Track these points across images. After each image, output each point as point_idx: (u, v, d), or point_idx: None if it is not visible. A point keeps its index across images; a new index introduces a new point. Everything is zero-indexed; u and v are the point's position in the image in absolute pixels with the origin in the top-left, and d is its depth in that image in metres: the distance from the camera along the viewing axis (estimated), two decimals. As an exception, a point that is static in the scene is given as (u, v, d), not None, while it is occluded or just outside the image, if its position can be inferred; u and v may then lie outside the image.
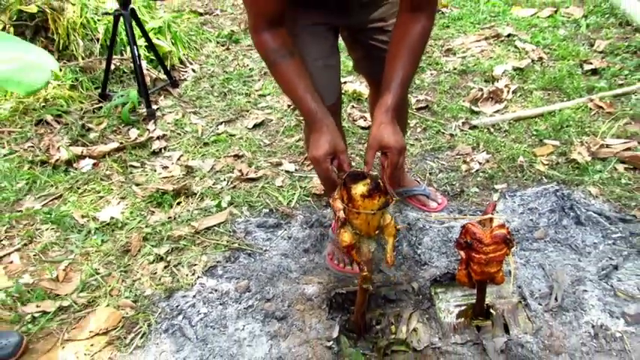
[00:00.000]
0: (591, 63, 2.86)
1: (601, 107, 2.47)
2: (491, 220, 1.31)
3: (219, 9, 4.61)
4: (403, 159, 1.26)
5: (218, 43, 3.76)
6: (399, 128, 1.25)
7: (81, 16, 3.10)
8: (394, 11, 1.32)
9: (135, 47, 2.67)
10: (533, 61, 3.00)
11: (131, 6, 2.65)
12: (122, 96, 2.74)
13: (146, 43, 2.94)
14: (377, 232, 1.27)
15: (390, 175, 1.23)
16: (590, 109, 2.48)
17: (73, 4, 3.10)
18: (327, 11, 1.35)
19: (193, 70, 3.32)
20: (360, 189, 1.19)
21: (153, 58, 3.11)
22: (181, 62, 3.34)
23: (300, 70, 1.23)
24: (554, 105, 2.54)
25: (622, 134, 2.26)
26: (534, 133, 2.37)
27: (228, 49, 3.67)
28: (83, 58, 3.05)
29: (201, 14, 4.45)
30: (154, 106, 2.80)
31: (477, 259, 1.31)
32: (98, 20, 3.20)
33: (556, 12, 3.68)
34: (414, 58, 1.28)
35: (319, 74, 1.34)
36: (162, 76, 3.08)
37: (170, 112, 2.84)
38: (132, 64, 2.88)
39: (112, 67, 2.91)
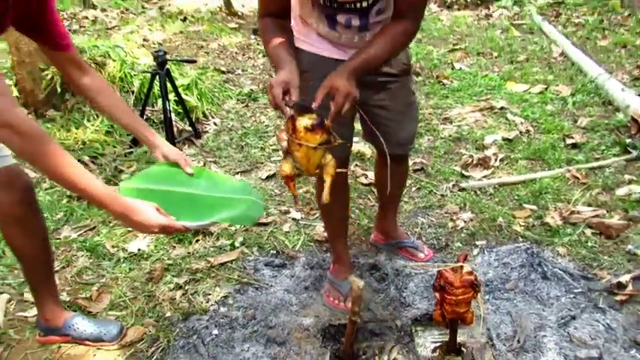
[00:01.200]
0: (573, 137, 3.19)
1: (577, 178, 2.77)
2: (461, 267, 1.58)
3: (240, 69, 5.06)
4: (348, 104, 1.34)
5: (238, 100, 4.15)
6: (354, 81, 1.38)
7: (120, 71, 3.51)
8: (400, 93, 1.65)
9: (167, 102, 3.03)
10: (521, 132, 3.33)
11: (166, 66, 3.04)
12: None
13: (176, 98, 3.32)
14: (317, 170, 1.36)
15: (334, 116, 1.32)
16: (568, 178, 2.78)
17: (114, 60, 3.51)
18: None
19: (215, 124, 3.68)
20: (304, 122, 1.28)
21: (180, 111, 3.47)
22: (204, 116, 3.71)
23: (283, 34, 1.51)
24: (535, 174, 2.84)
25: (593, 202, 2.55)
26: (516, 197, 2.66)
27: (247, 106, 4.05)
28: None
29: (223, 72, 4.89)
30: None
31: (448, 300, 1.57)
32: (134, 75, 3.60)
33: (546, 89, 4.05)
34: (390, 47, 1.46)
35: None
36: (188, 127, 3.44)
37: (193, 160, 3.16)
38: (162, 116, 3.24)
39: (144, 117, 3.27)
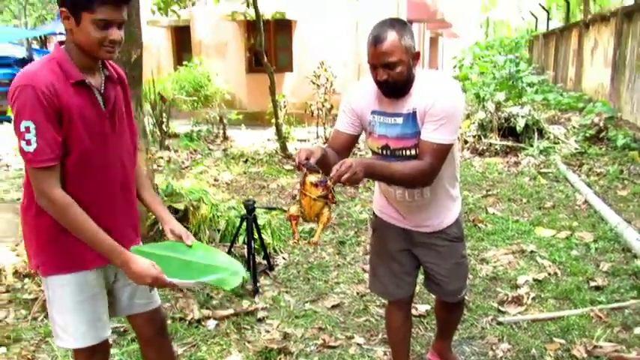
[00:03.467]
0: (596, 280, 3.68)
1: (600, 317, 3.23)
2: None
3: (299, 207, 5.82)
4: (346, 174, 1.70)
5: (301, 237, 4.84)
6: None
7: (210, 213, 4.28)
8: (450, 255, 2.26)
9: (252, 241, 3.72)
10: (549, 274, 3.85)
11: (254, 213, 3.78)
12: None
13: (256, 236, 4.02)
14: (315, 218, 1.80)
15: (335, 179, 1.70)
16: (592, 317, 3.24)
17: (206, 204, 4.30)
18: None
19: (284, 258, 4.33)
20: (311, 178, 1.74)
21: (257, 247, 4.15)
22: (275, 251, 4.38)
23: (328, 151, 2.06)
24: (563, 312, 3.32)
25: (614, 339, 2.99)
26: (547, 332, 3.12)
27: (309, 242, 4.72)
28: (207, 243, 4.14)
29: (284, 211, 5.65)
30: (257, 284, 3.76)
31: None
32: (219, 216, 4.37)
33: (571, 235, 4.61)
34: (405, 175, 1.91)
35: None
36: (263, 260, 4.09)
37: (268, 290, 3.78)
38: (244, 251, 3.92)
39: (232, 253, 3.96)
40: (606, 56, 10.01)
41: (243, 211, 4.05)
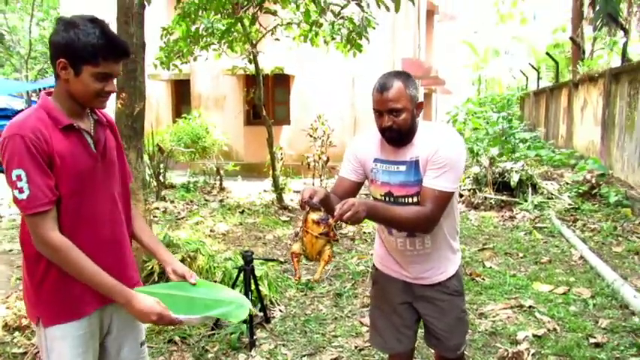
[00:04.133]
0: (595, 337, 3.65)
1: (601, 374, 3.19)
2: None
3: (295, 259, 5.79)
4: (348, 212, 1.76)
5: (297, 289, 4.80)
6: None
7: (206, 264, 4.26)
8: (451, 310, 2.26)
9: (250, 292, 3.70)
10: (548, 330, 3.82)
11: (252, 264, 3.77)
12: (236, 327, 3.68)
13: (253, 288, 3.99)
14: (317, 255, 1.87)
15: (337, 217, 1.75)
16: (593, 375, 3.20)
17: (203, 255, 4.29)
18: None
19: (280, 310, 4.29)
20: (313, 216, 1.82)
21: (253, 298, 4.12)
22: (272, 303, 4.34)
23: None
24: (564, 369, 3.28)
25: (616, 398, 2.95)
26: (548, 390, 3.07)
27: (305, 294, 4.68)
28: (204, 294, 4.09)
29: (282, 262, 5.63)
30: (254, 337, 3.70)
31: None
32: (216, 267, 4.35)
33: (569, 290, 4.60)
34: (406, 218, 1.95)
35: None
36: (259, 313, 4.04)
37: (264, 343, 3.71)
38: (240, 303, 3.88)
39: (227, 304, 3.92)
40: (596, 115, 10.29)
41: (240, 262, 4.05)
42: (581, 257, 5.56)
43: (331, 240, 1.88)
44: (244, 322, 3.66)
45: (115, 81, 1.77)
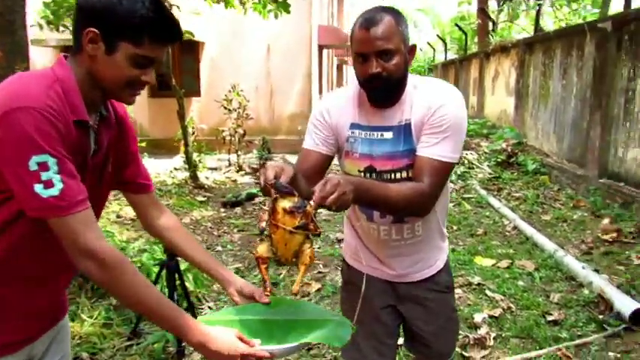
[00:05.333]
0: (552, 314, 3.47)
1: (568, 356, 2.98)
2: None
3: (218, 245, 5.21)
4: (333, 194, 1.27)
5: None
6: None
7: (118, 258, 3.56)
8: (441, 309, 1.84)
9: (175, 293, 3.09)
10: (503, 310, 3.59)
11: (177, 258, 3.15)
12: (160, 336, 3.06)
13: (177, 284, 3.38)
14: (293, 258, 1.33)
15: (318, 202, 1.26)
16: (560, 357, 2.99)
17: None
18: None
19: (210, 308, 3.71)
20: (284, 203, 1.27)
21: (177, 297, 3.50)
22: (199, 300, 3.75)
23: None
24: (530, 353, 3.04)
25: (590, 383, 2.74)
26: (519, 379, 2.81)
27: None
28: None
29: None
30: (182, 344, 3.11)
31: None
32: (132, 261, 3.65)
33: (512, 264, 4.44)
34: (402, 196, 1.49)
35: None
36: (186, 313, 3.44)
37: (194, 351, 3.14)
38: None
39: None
40: (508, 85, 10.47)
41: (159, 255, 3.41)
42: (515, 227, 5.48)
43: (312, 234, 1.33)
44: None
45: (154, 72, 1.30)
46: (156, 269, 3.45)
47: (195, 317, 3.19)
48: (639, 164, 5.53)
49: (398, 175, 1.65)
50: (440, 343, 1.89)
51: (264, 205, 1.49)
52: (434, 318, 1.86)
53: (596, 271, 4.06)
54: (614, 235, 4.90)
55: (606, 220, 5.34)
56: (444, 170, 1.58)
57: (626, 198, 5.59)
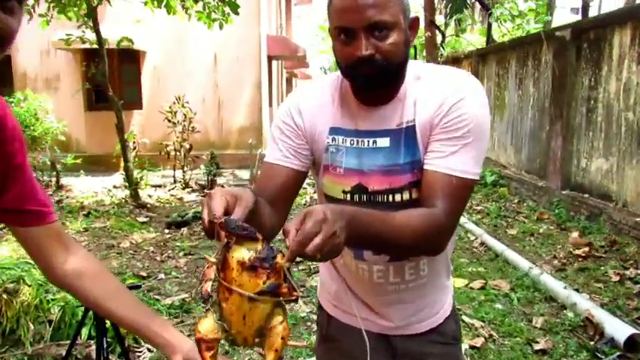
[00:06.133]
0: (538, 342, 3.13)
1: (565, 394, 2.64)
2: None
3: (161, 272, 4.62)
4: (319, 236, 0.82)
5: (170, 314, 3.67)
6: None
7: (35, 297, 2.96)
8: None
9: (103, 338, 2.52)
10: (485, 339, 3.22)
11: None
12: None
13: (108, 325, 2.81)
14: (256, 339, 0.85)
15: (294, 250, 0.81)
16: (556, 395, 2.64)
17: (29, 285, 2.97)
18: None
19: (149, 350, 3.15)
20: (240, 252, 0.81)
21: (109, 340, 2.93)
22: (136, 341, 3.18)
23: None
24: (522, 391, 2.67)
25: None
26: None
27: (182, 321, 3.58)
28: (32, 344, 2.81)
29: (144, 278, 4.42)
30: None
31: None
32: (51, 300, 3.06)
33: (486, 284, 4.11)
34: (407, 221, 1.04)
35: None
36: (119, 361, 2.88)
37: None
38: (90, 351, 2.69)
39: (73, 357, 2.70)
40: (461, 96, 10.38)
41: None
42: (482, 243, 5.18)
43: (283, 301, 0.85)
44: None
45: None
46: (58, 309, 2.87)
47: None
48: (604, 175, 5.38)
49: (397, 198, 1.21)
50: None
51: (211, 253, 0.99)
52: None
53: (576, 290, 3.78)
54: (586, 249, 4.67)
55: (575, 234, 5.13)
56: (464, 190, 1.14)
57: (593, 210, 5.42)
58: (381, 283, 1.32)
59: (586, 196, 5.64)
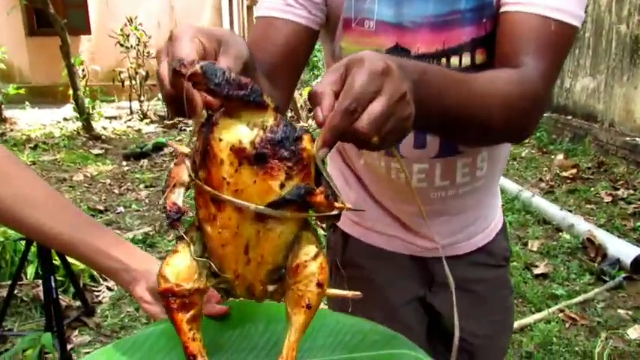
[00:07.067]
0: (537, 266, 2.92)
1: (573, 319, 2.43)
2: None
3: (121, 205, 4.20)
4: (379, 90, 0.47)
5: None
6: None
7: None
8: (496, 294, 1.09)
9: (51, 275, 2.13)
10: (481, 264, 2.99)
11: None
12: (33, 340, 2.11)
13: (58, 262, 2.41)
14: (269, 285, 0.52)
15: (337, 126, 0.46)
16: (564, 320, 2.42)
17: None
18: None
19: (109, 288, 2.78)
20: (236, 132, 0.46)
21: (61, 278, 2.55)
22: (93, 279, 2.80)
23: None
24: (527, 318, 2.45)
25: (613, 352, 2.19)
26: (525, 352, 2.21)
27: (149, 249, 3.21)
28: (-34, 286, 2.39)
29: (101, 212, 4.00)
30: (69, 346, 2.20)
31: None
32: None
33: (474, 209, 3.86)
34: (490, 83, 0.69)
35: None
36: (74, 302, 2.51)
37: (89, 350, 2.24)
38: (37, 291, 2.31)
39: (14, 298, 2.30)
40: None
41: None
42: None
43: (317, 219, 0.48)
44: (49, 322, 2.12)
45: None
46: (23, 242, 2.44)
47: (89, 308, 2.29)
48: (590, 94, 5.13)
49: (454, 62, 0.83)
50: (491, 348, 1.14)
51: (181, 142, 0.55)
52: (487, 311, 1.09)
53: (569, 211, 3.57)
54: (574, 171, 4.47)
55: (560, 156, 4.92)
56: (565, 41, 0.77)
57: (577, 131, 5.21)
58: (423, 188, 0.95)
59: (569, 117, 5.42)
